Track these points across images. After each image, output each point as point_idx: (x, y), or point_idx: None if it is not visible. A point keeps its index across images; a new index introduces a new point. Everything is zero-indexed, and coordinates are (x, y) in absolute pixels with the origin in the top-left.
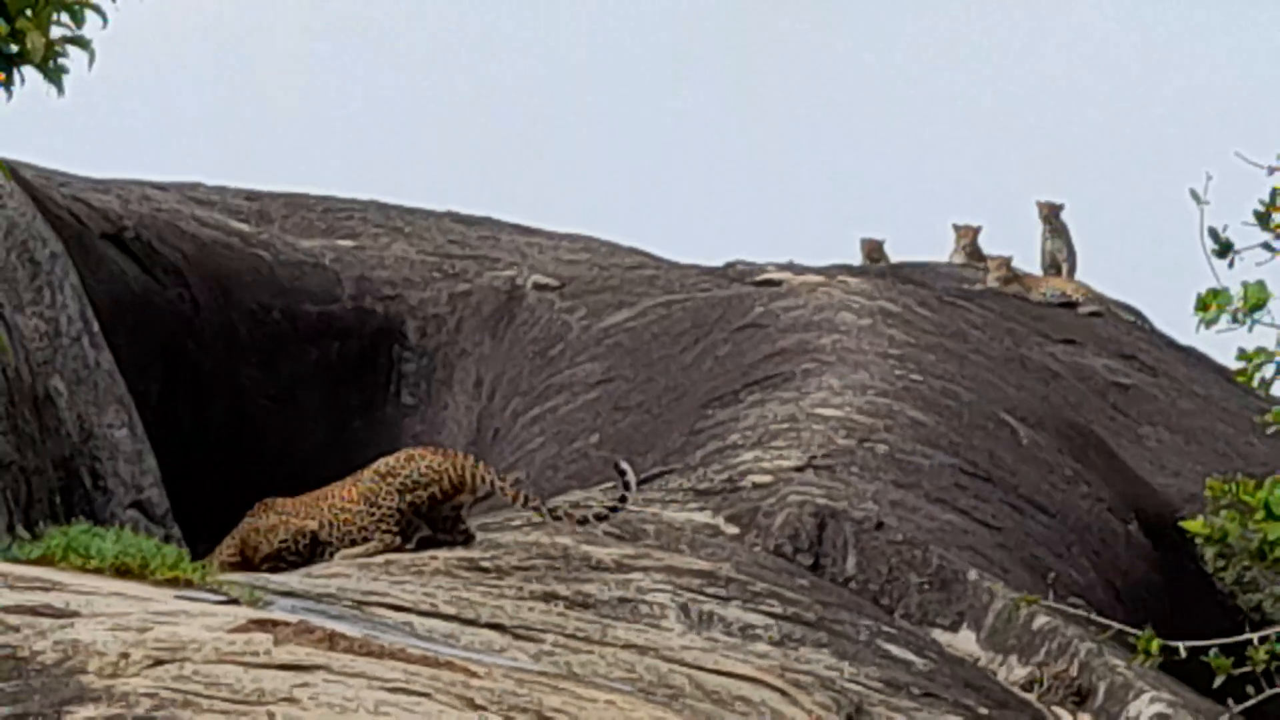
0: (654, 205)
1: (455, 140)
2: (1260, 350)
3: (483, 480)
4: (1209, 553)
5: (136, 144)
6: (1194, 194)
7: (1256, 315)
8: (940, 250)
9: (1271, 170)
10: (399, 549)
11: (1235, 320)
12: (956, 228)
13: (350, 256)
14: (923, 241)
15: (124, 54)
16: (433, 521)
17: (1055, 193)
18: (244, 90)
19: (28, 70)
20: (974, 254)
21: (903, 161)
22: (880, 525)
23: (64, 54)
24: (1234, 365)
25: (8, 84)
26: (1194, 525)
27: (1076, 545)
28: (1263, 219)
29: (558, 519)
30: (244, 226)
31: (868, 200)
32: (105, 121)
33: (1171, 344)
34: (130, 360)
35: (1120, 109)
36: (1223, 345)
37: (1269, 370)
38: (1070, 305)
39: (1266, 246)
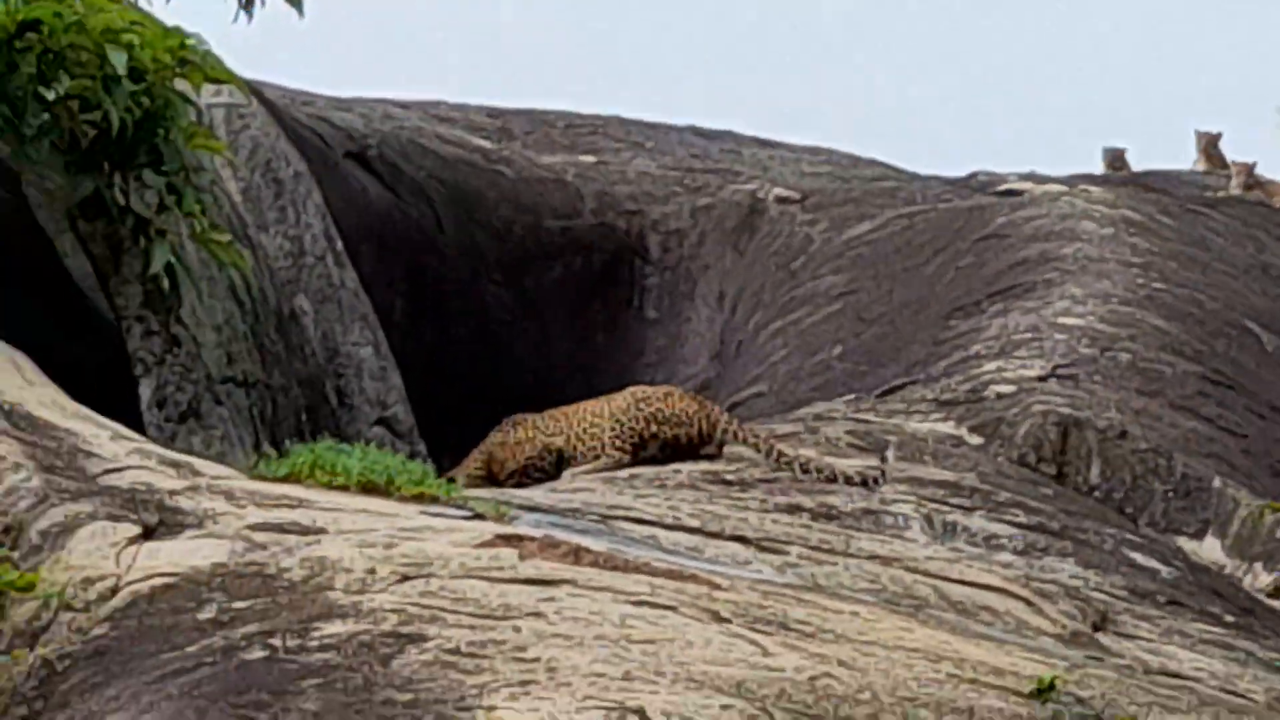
0: (895, 117)
1: (694, 55)
2: None
3: (734, 437)
4: None
5: (376, 62)
6: None
7: None
8: (1183, 158)
9: None
10: (624, 466)
11: None
12: (1198, 134)
13: (592, 172)
14: (1166, 150)
15: None
16: (666, 461)
17: None
18: (483, 5)
19: None
20: (1216, 161)
21: (1145, 68)
22: (1124, 434)
23: None
24: None
25: (249, 7)
26: None
27: None
28: None
29: (807, 473)
30: (486, 143)
31: (1110, 110)
32: (344, 41)
33: None
34: (374, 279)
35: None
36: None
37: None
38: None
39: None
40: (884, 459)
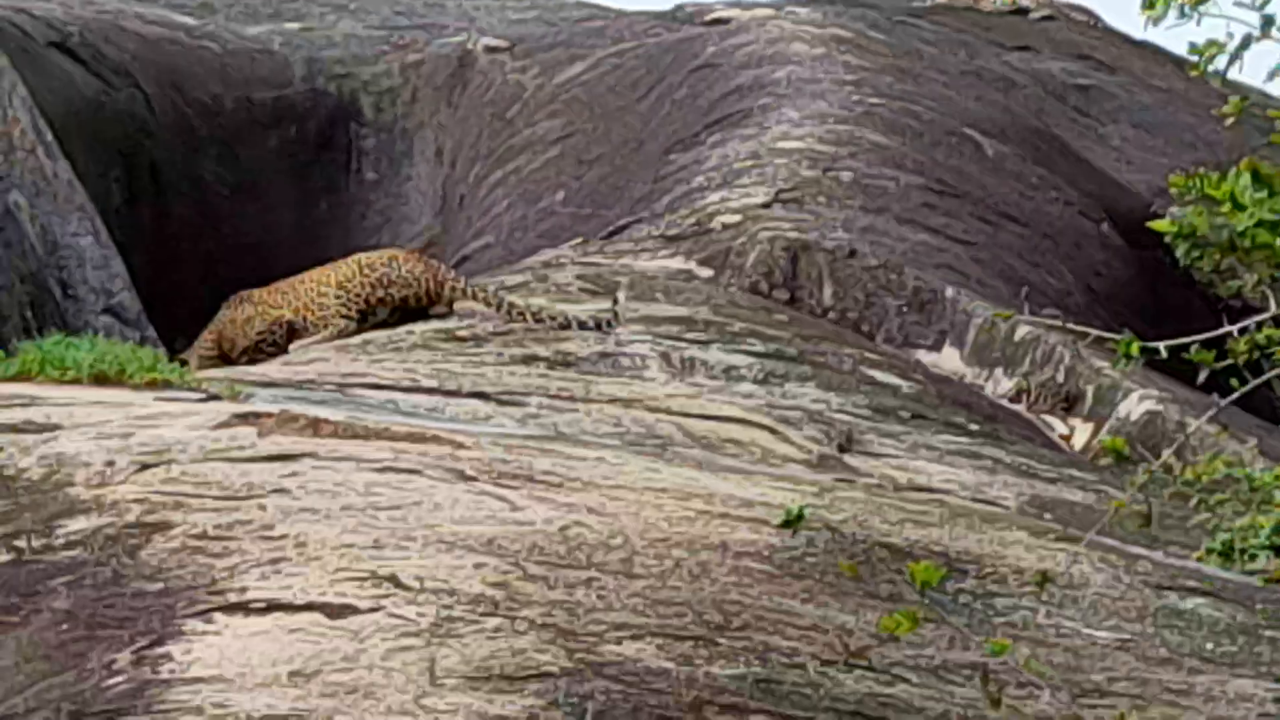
0: None
1: None
2: (1211, 43)
3: (464, 294)
4: (1181, 249)
5: None
6: None
7: (1203, 7)
8: None
9: None
10: (351, 334)
11: (1183, 15)
12: None
13: (299, 39)
14: None
15: None
16: (397, 325)
17: None
18: None
19: None
20: None
21: None
22: (853, 253)
23: None
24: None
25: None
26: (1161, 225)
27: (1051, 252)
28: None
29: (540, 322)
30: (189, 20)
31: None
32: None
33: (1127, 40)
34: (88, 167)
35: None
36: (1176, 40)
37: (1221, 61)
38: (1022, 12)
39: None
40: (616, 300)
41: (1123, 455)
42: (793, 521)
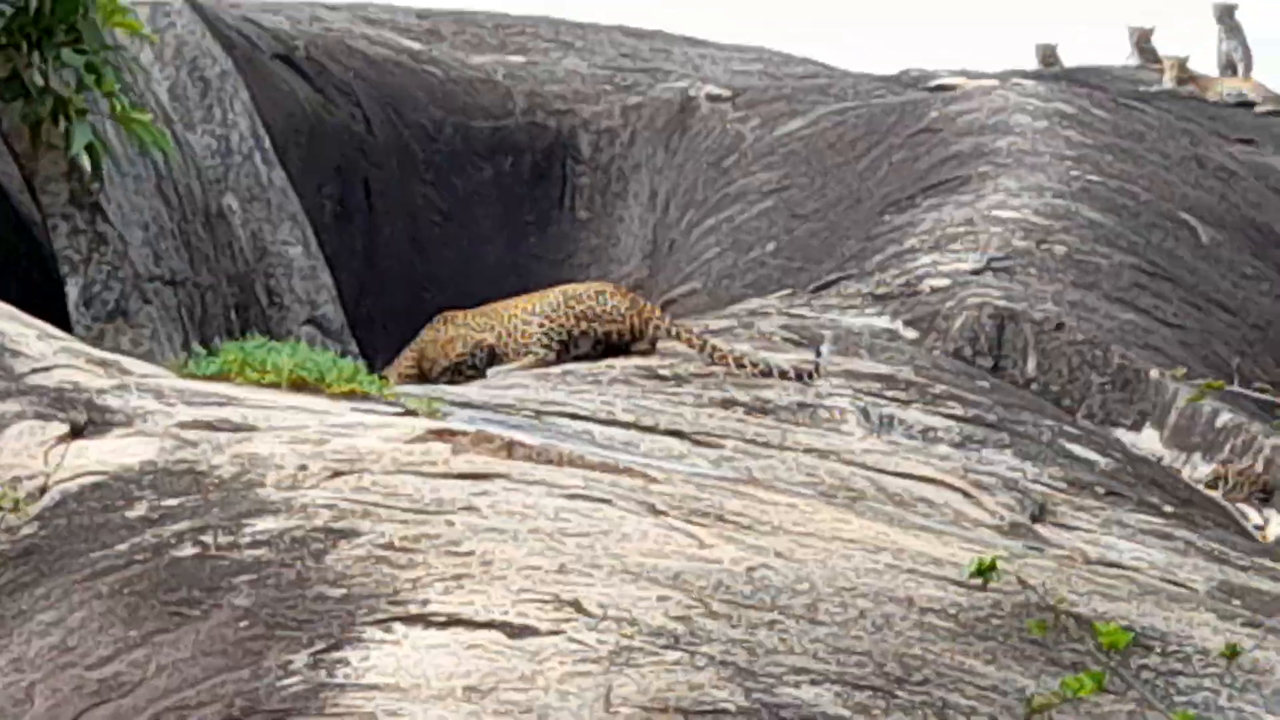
0: (824, 18)
1: None
2: None
3: (668, 333)
4: None
5: None
6: None
7: None
8: (1116, 54)
9: None
10: (551, 364)
11: None
12: (1131, 29)
13: (522, 71)
14: (1098, 46)
15: None
16: (599, 358)
17: None
18: None
19: None
20: (1149, 56)
21: None
22: (1060, 325)
23: None
24: None
25: None
26: None
27: (1260, 343)
28: None
29: (742, 367)
30: (414, 44)
31: (1039, 9)
32: None
33: None
34: (303, 180)
35: None
36: None
37: None
38: (1247, 105)
39: None
40: (819, 353)
41: None
42: (984, 571)
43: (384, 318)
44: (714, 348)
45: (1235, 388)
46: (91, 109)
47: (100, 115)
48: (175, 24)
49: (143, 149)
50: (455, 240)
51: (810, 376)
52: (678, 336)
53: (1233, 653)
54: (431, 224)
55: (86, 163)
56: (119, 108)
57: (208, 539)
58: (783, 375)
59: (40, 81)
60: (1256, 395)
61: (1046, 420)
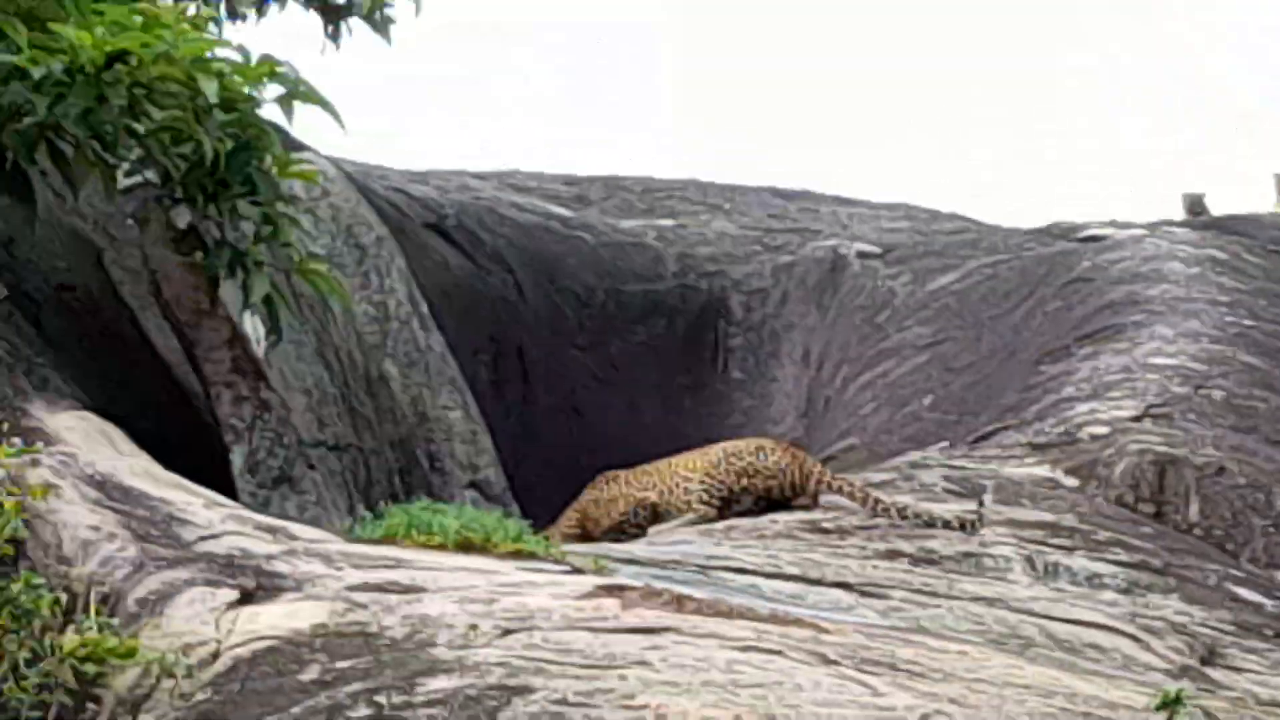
0: (967, 173)
1: (766, 117)
2: None
3: (829, 486)
4: None
5: (452, 137)
6: None
7: None
8: (1263, 203)
9: None
10: (713, 520)
11: None
12: (1277, 178)
13: (672, 234)
14: (1245, 195)
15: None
16: (761, 513)
17: None
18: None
19: (355, 23)
20: None
21: (1221, 116)
22: (1221, 470)
23: (389, 4)
24: None
25: (335, 36)
26: None
27: None
28: None
29: (905, 518)
30: (564, 210)
31: (1184, 159)
32: (422, 118)
33: None
34: (458, 346)
35: None
36: None
37: None
38: None
39: None
40: (981, 503)
41: None
42: (1170, 703)
43: (543, 481)
44: (876, 500)
45: None
46: (268, 260)
47: (276, 266)
48: (330, 191)
49: (322, 299)
50: (611, 404)
51: (974, 526)
52: (839, 490)
53: None
54: (586, 388)
55: (264, 315)
56: (296, 258)
57: (381, 699)
58: (946, 525)
59: (217, 234)
60: None
61: (1211, 564)
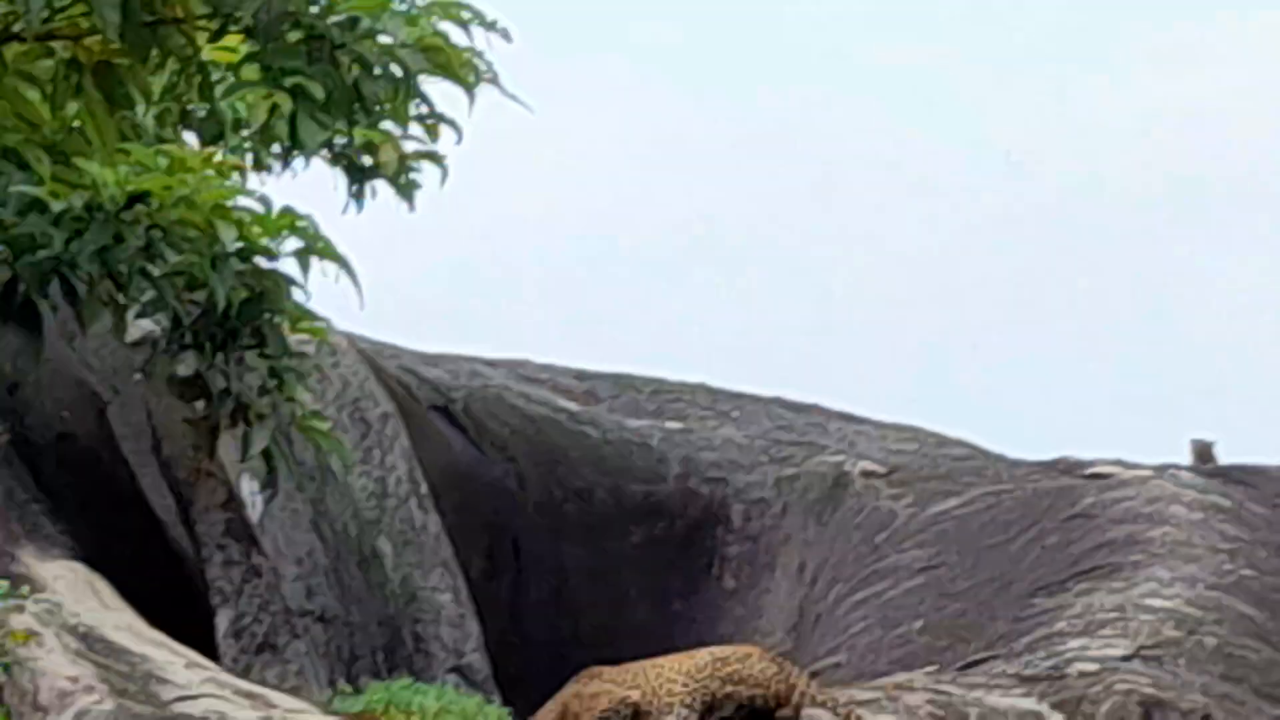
0: (977, 400)
1: (775, 329)
2: None
3: (813, 701)
4: None
5: (464, 322)
6: None
7: None
8: (1273, 454)
9: None
10: None
11: None
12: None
13: (678, 437)
14: (1252, 445)
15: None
16: None
17: None
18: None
19: (379, 184)
20: None
21: (1234, 363)
22: (1207, 717)
23: (417, 169)
24: None
25: (359, 197)
26: None
27: None
28: None
29: None
30: (572, 405)
31: (1198, 403)
32: (434, 299)
33: None
34: (455, 530)
35: None
36: None
37: None
38: None
39: None
40: None
41: None
42: None
43: (528, 672)
44: (859, 718)
45: None
46: (270, 414)
47: (280, 420)
48: (340, 364)
49: (321, 467)
50: (602, 600)
51: None
52: (824, 704)
53: None
54: (578, 584)
55: (257, 479)
56: (300, 414)
57: None
58: None
59: (222, 383)
60: None
61: None
